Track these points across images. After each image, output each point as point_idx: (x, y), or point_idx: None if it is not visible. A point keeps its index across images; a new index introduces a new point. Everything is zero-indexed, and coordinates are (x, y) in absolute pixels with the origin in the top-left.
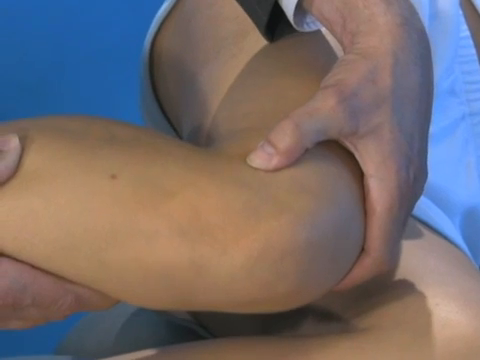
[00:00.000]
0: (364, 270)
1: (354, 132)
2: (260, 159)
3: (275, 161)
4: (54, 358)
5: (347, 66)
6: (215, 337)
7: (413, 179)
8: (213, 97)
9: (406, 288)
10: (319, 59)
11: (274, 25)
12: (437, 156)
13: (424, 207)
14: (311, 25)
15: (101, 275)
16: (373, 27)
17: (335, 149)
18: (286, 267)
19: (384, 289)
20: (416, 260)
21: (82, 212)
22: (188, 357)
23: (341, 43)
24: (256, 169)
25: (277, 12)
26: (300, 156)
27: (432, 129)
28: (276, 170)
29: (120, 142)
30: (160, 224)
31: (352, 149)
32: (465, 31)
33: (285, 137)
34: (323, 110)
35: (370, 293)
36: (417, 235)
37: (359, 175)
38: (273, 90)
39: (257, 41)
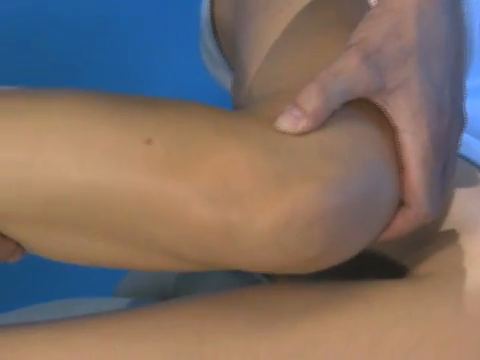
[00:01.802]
0: (407, 222)
1: (381, 88)
2: (287, 122)
3: (302, 124)
4: (112, 300)
5: (371, 22)
6: (271, 280)
7: (447, 129)
8: (255, 54)
9: (464, 235)
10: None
11: None
12: None
13: None
14: None
15: (131, 237)
16: None
17: (364, 107)
18: (313, 234)
19: (441, 236)
20: (474, 206)
21: (116, 176)
22: (247, 300)
23: None
24: (284, 134)
25: None
26: (327, 119)
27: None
28: (303, 133)
29: (155, 106)
30: (190, 191)
31: (382, 105)
32: None
33: (311, 99)
34: (347, 70)
35: (428, 239)
36: (475, 181)
37: (390, 131)
38: (311, 50)
39: None
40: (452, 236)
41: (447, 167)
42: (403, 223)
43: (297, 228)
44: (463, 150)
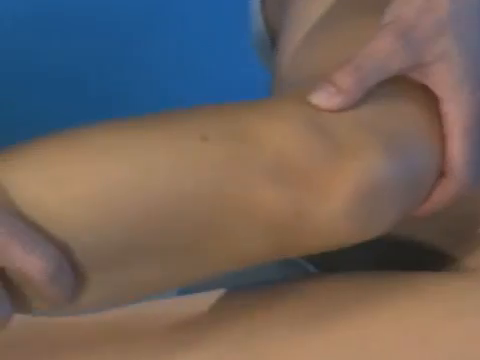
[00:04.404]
0: (445, 194)
1: (419, 64)
2: (321, 98)
3: (336, 101)
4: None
5: None
6: (319, 270)
7: None
8: (294, 38)
9: None
10: None
11: None
12: None
13: None
14: None
15: (200, 238)
16: None
17: (403, 83)
18: (379, 204)
19: None
20: None
21: (176, 177)
22: (298, 291)
23: None
24: (321, 112)
25: None
26: (364, 97)
27: None
28: (336, 109)
29: (195, 109)
30: (256, 177)
31: (423, 79)
32: None
33: (346, 77)
34: (382, 49)
35: (479, 231)
36: None
37: (430, 103)
38: (346, 35)
39: None
40: None
41: None
42: (441, 194)
43: (365, 200)
44: None
